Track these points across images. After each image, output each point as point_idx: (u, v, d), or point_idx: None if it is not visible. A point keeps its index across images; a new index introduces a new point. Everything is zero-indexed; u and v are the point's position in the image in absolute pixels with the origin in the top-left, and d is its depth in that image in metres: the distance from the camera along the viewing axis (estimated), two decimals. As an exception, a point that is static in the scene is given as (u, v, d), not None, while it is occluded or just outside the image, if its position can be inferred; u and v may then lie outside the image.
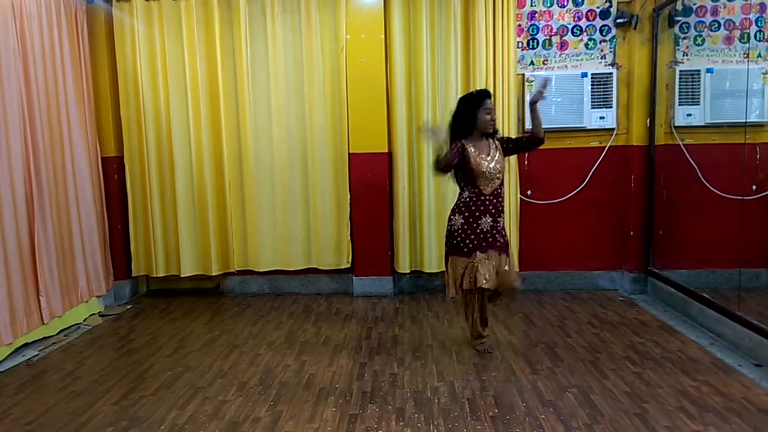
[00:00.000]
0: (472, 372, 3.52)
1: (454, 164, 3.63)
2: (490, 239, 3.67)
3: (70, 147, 4.62)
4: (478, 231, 3.66)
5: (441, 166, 3.60)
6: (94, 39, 5.03)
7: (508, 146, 3.79)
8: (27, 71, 4.13)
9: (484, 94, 3.69)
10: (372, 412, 3.05)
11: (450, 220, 3.76)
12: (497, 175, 3.66)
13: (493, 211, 3.68)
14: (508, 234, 3.88)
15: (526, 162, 5.13)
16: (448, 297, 3.85)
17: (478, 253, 3.65)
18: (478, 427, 2.87)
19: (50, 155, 4.39)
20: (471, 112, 3.65)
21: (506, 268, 3.71)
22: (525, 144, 3.83)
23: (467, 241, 3.68)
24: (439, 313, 4.70)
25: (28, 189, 4.10)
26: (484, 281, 3.61)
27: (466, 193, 3.71)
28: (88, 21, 4.94)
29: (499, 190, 3.71)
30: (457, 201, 3.77)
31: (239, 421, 2.99)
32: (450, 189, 5.03)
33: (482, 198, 3.67)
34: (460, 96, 4.89)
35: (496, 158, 3.66)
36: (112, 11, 5.04)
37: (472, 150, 3.64)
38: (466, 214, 3.68)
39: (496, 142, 3.73)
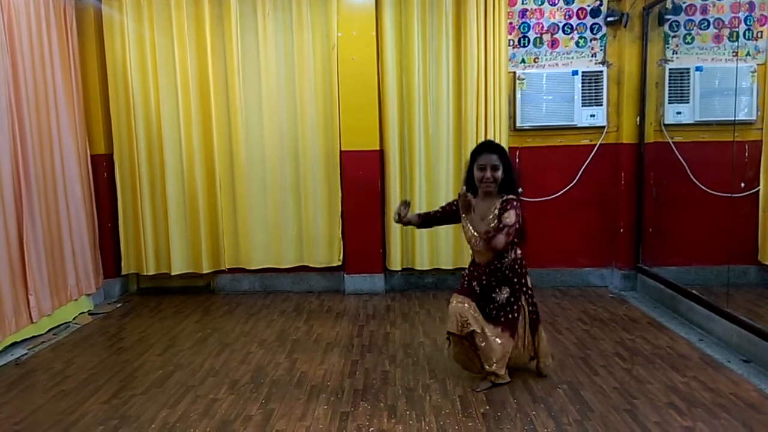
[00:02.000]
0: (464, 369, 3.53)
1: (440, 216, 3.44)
2: (483, 309, 3.23)
3: (59, 144, 4.58)
4: (472, 285, 3.26)
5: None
6: (83, 35, 4.99)
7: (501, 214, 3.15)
8: (15, 67, 4.08)
9: (481, 148, 3.23)
10: (364, 410, 3.05)
11: None
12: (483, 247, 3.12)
13: (484, 282, 3.22)
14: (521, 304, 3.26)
15: (517, 160, 5.14)
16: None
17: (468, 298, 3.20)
18: (470, 424, 2.88)
19: (39, 153, 4.35)
20: (469, 167, 3.24)
21: (498, 341, 3.18)
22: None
23: (464, 283, 3.30)
24: (430, 310, 4.70)
25: (16, 187, 4.06)
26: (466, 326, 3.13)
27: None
28: (77, 16, 4.89)
29: (497, 264, 3.19)
30: None
31: (231, 419, 2.99)
32: (442, 184, 5.05)
33: (476, 264, 3.28)
34: (451, 94, 4.99)
35: (487, 227, 3.10)
36: (101, 7, 5.00)
37: (471, 210, 3.19)
38: (466, 272, 3.36)
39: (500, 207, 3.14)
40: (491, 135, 4.94)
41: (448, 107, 5.01)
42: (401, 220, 3.43)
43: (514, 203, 3.12)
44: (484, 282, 3.24)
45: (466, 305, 3.17)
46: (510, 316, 3.22)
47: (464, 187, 3.25)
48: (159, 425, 2.94)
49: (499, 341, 3.19)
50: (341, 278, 5.28)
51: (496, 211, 3.13)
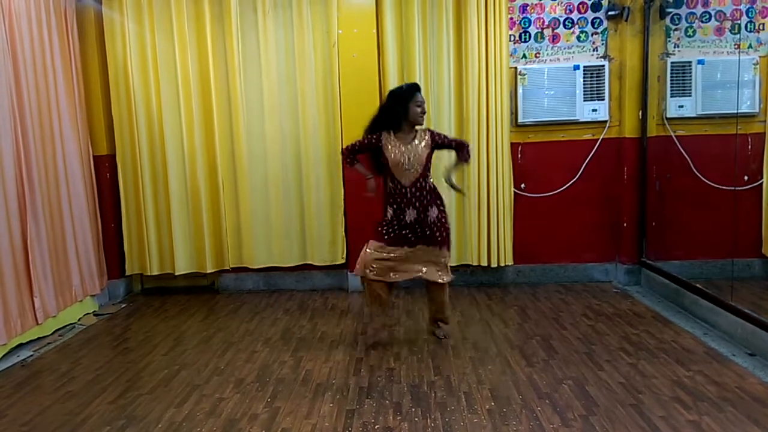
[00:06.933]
0: (469, 365, 3.54)
1: (359, 154, 3.86)
2: (419, 232, 3.73)
3: (62, 146, 4.59)
4: (403, 224, 3.72)
5: (347, 159, 3.89)
6: (84, 37, 4.99)
7: (439, 142, 3.77)
8: (17, 70, 4.09)
9: (415, 88, 3.76)
10: (369, 407, 3.05)
11: (384, 211, 3.83)
12: (415, 167, 3.68)
13: (417, 204, 3.70)
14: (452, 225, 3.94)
15: (519, 155, 5.14)
16: (356, 274, 3.97)
17: (397, 247, 3.75)
18: (475, 420, 2.88)
19: (42, 154, 4.36)
20: (403, 105, 3.70)
21: (438, 260, 3.78)
22: (453, 149, 3.85)
23: (390, 232, 3.75)
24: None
25: (20, 189, 4.07)
26: (393, 275, 3.80)
27: (390, 184, 3.77)
28: (77, 19, 4.90)
29: (422, 183, 3.71)
30: (385, 192, 3.83)
31: (236, 418, 2.99)
32: (443, 183, 5.04)
33: (403, 190, 3.71)
34: (452, 90, 4.99)
35: (417, 150, 3.68)
36: (101, 9, 5.01)
37: (392, 140, 3.72)
38: (394, 206, 3.75)
39: (426, 136, 3.75)
40: (493, 130, 4.94)
41: (449, 104, 5.01)
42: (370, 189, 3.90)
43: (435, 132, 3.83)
44: (415, 202, 3.70)
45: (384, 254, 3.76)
46: (445, 233, 3.78)
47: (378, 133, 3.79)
48: (165, 425, 2.95)
49: (443, 259, 3.81)
50: (345, 276, 5.29)
51: (426, 140, 3.73)
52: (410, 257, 3.77)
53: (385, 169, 3.79)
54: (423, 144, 3.72)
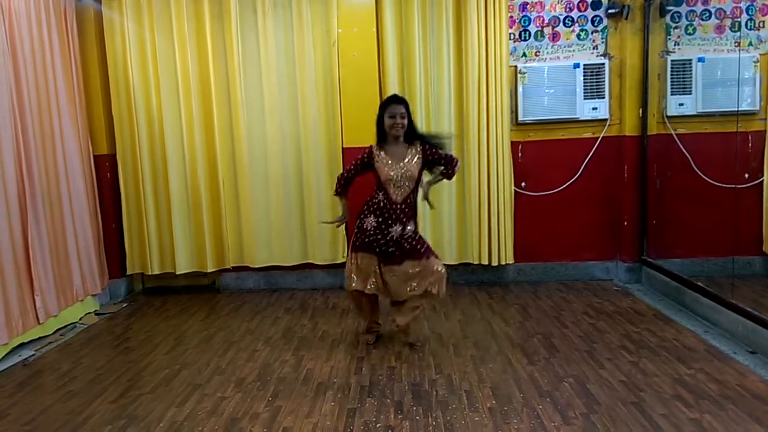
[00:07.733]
0: (470, 364, 3.54)
1: (354, 174, 3.82)
2: (401, 247, 3.67)
3: (62, 145, 4.59)
4: (389, 238, 3.66)
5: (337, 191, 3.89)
6: (84, 37, 4.99)
7: (431, 157, 3.71)
8: (17, 70, 4.09)
9: (390, 99, 3.73)
10: (370, 406, 3.06)
11: (362, 218, 3.74)
12: (406, 183, 3.65)
13: (403, 219, 3.67)
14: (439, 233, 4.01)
15: (519, 154, 5.14)
16: (347, 289, 3.86)
17: (383, 261, 3.70)
18: (476, 418, 2.89)
19: (42, 154, 4.36)
20: (380, 116, 3.70)
21: (419, 269, 3.67)
22: (443, 165, 3.76)
23: (381, 245, 3.68)
24: (435, 306, 4.70)
25: (20, 188, 4.08)
26: (371, 287, 3.75)
27: (380, 196, 3.70)
28: (77, 19, 4.90)
29: (411, 199, 3.70)
30: (371, 200, 3.74)
31: (238, 417, 3.00)
32: (443, 183, 5.04)
33: (393, 205, 3.67)
34: (452, 89, 4.99)
35: (408, 165, 3.65)
36: (101, 9, 5.00)
37: (383, 155, 3.69)
38: (380, 219, 3.67)
39: (419, 151, 3.69)
40: (493, 129, 4.94)
41: (449, 102, 5.01)
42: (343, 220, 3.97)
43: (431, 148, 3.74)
44: (402, 218, 3.68)
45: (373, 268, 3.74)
46: (425, 244, 3.75)
47: (373, 145, 3.79)
48: (167, 424, 2.95)
49: (435, 267, 3.69)
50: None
51: (419, 155, 3.68)
52: (398, 277, 3.69)
53: (377, 182, 3.74)
54: (415, 160, 3.67)
